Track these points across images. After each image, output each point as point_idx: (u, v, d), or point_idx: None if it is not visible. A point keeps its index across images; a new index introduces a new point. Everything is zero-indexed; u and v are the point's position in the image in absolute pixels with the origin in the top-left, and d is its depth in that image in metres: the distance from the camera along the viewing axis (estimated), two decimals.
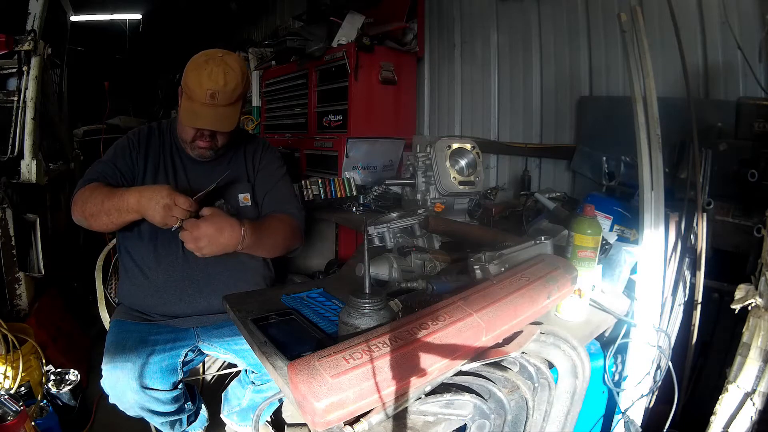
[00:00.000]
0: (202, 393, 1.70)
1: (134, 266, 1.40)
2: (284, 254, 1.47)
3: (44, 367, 1.71)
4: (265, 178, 1.52)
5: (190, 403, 1.43)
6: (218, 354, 1.40)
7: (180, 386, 1.33)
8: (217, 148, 1.40)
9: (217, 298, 1.31)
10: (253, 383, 1.44)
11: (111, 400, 1.25)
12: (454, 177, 1.75)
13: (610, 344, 1.17)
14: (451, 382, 0.75)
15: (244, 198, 1.48)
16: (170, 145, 1.46)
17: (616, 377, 1.22)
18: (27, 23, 2.05)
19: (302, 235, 1.50)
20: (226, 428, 1.59)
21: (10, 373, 1.58)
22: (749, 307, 1.00)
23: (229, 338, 1.36)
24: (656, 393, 1.20)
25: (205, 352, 1.41)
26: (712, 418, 1.02)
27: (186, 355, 1.34)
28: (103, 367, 1.21)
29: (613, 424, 1.22)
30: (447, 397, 0.73)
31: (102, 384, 1.22)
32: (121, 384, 1.19)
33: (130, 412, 1.25)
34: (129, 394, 1.20)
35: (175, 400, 1.31)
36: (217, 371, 1.85)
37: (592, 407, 1.19)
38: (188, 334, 1.37)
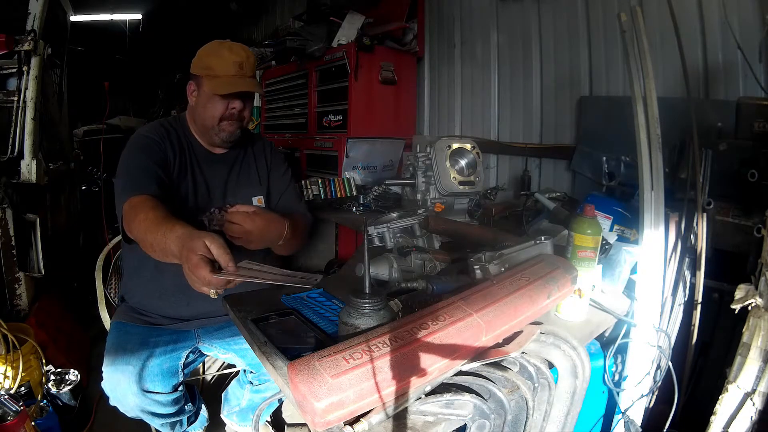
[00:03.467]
0: (202, 393, 1.70)
1: (141, 266, 1.37)
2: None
3: (44, 367, 1.71)
4: (278, 180, 1.53)
5: (190, 404, 1.43)
6: (218, 354, 1.40)
7: (180, 388, 1.32)
8: (240, 129, 1.40)
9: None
10: (251, 383, 1.44)
11: (111, 402, 1.24)
12: (454, 177, 1.75)
13: (610, 344, 1.17)
14: (451, 382, 0.75)
15: (258, 201, 1.47)
16: (184, 142, 1.42)
17: (616, 377, 1.22)
18: (27, 23, 2.05)
19: (308, 236, 1.52)
20: (226, 428, 1.59)
21: (10, 373, 1.58)
22: (749, 307, 1.00)
23: (229, 338, 1.36)
24: (656, 393, 1.20)
25: (204, 353, 1.41)
26: (712, 418, 1.02)
27: (187, 356, 1.34)
28: (104, 369, 1.21)
29: (613, 424, 1.22)
30: (447, 397, 0.73)
31: (102, 386, 1.22)
32: (122, 387, 1.19)
33: (130, 414, 1.25)
34: (130, 397, 1.20)
35: (176, 402, 1.31)
36: (217, 371, 1.85)
37: (592, 407, 1.19)
38: (189, 335, 1.36)
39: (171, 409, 1.29)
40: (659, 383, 1.18)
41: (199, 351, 1.40)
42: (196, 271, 0.88)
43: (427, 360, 0.66)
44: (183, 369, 1.32)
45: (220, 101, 1.33)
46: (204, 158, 1.43)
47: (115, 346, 1.25)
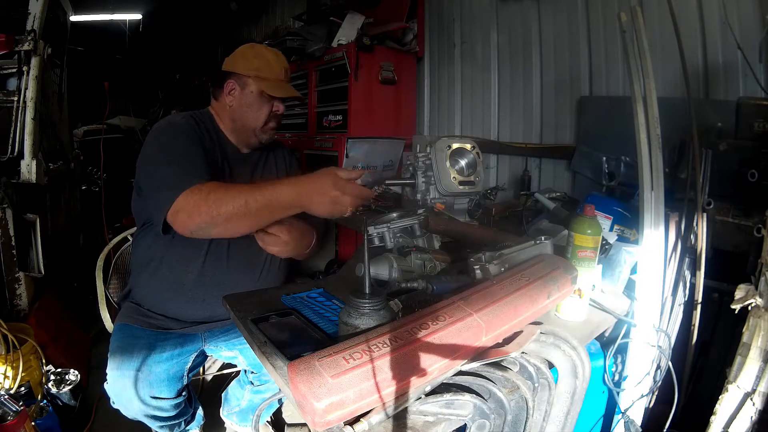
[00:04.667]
0: (203, 393, 1.70)
1: (163, 257, 1.32)
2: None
3: (44, 367, 1.71)
4: None
5: (190, 406, 1.43)
6: (221, 353, 1.40)
7: (184, 393, 1.32)
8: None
9: None
10: (252, 383, 1.44)
11: (114, 405, 1.24)
12: (454, 177, 1.75)
13: (610, 344, 1.17)
14: (451, 382, 0.75)
15: None
16: (213, 137, 1.39)
17: (616, 377, 1.22)
18: (27, 23, 2.05)
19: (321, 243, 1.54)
20: (225, 428, 1.59)
21: (10, 373, 1.58)
22: (749, 307, 1.00)
23: (234, 339, 1.36)
24: (656, 393, 1.20)
25: (209, 354, 1.41)
26: (712, 418, 1.02)
27: (193, 360, 1.33)
28: (108, 372, 1.20)
29: (613, 424, 1.22)
30: (447, 397, 0.73)
31: (106, 388, 1.21)
32: (128, 393, 1.18)
33: (131, 417, 1.25)
34: (135, 402, 1.19)
35: (178, 406, 1.31)
36: (218, 371, 1.85)
37: (592, 407, 1.19)
38: (195, 338, 1.35)
39: (173, 413, 1.30)
40: (659, 383, 1.18)
41: (204, 353, 1.39)
42: (353, 189, 1.07)
43: (427, 360, 0.66)
44: (188, 373, 1.32)
45: (267, 103, 1.38)
46: (233, 156, 1.42)
47: (121, 349, 1.23)
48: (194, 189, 1.07)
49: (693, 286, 1.20)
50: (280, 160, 1.56)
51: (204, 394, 1.73)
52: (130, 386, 1.18)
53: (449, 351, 0.69)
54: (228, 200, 1.05)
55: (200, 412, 1.57)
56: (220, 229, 1.08)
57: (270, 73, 1.38)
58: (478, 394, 0.76)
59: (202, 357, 1.40)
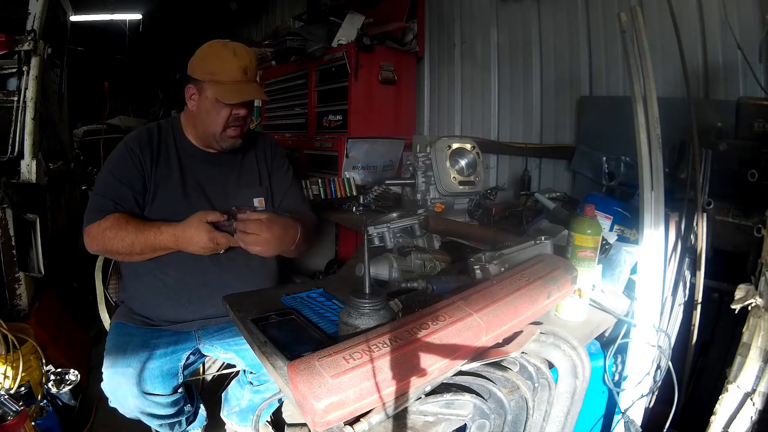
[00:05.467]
0: (202, 393, 1.70)
1: (144, 264, 1.32)
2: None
3: (44, 367, 1.71)
4: (280, 180, 1.52)
5: (189, 405, 1.43)
6: (218, 354, 1.40)
7: (180, 390, 1.32)
8: (243, 136, 1.39)
9: None
10: (251, 383, 1.44)
11: (111, 404, 1.24)
12: (454, 177, 1.75)
13: (610, 344, 1.17)
14: (451, 382, 0.75)
15: (259, 202, 1.46)
16: (175, 145, 1.40)
17: (616, 377, 1.22)
18: (27, 23, 2.05)
19: (315, 237, 1.52)
20: (225, 428, 1.59)
21: (10, 373, 1.58)
22: (749, 307, 1.00)
23: (229, 339, 1.36)
24: (656, 393, 1.20)
25: (205, 353, 1.41)
26: (712, 418, 1.02)
27: (187, 358, 1.33)
28: (104, 370, 1.21)
29: (613, 424, 1.22)
30: (447, 397, 0.73)
31: (102, 387, 1.22)
32: (123, 389, 1.19)
33: (130, 415, 1.25)
34: (130, 399, 1.19)
35: (175, 403, 1.31)
36: (217, 371, 1.85)
37: (592, 407, 1.19)
38: (189, 336, 1.36)
39: (170, 410, 1.29)
40: (659, 383, 1.18)
41: (200, 352, 1.39)
42: (212, 235, 1.19)
43: (427, 360, 0.66)
44: (183, 371, 1.32)
45: (225, 108, 1.30)
46: (199, 159, 1.41)
47: (116, 347, 1.24)
48: (102, 221, 1.23)
49: (693, 286, 1.20)
50: (260, 156, 1.50)
51: (204, 394, 1.73)
52: (125, 383, 1.18)
53: (449, 351, 0.69)
54: (117, 240, 1.21)
55: (203, 412, 1.57)
56: (116, 257, 1.31)
57: (225, 75, 1.27)
58: (478, 394, 0.76)
59: (199, 355, 1.40)
